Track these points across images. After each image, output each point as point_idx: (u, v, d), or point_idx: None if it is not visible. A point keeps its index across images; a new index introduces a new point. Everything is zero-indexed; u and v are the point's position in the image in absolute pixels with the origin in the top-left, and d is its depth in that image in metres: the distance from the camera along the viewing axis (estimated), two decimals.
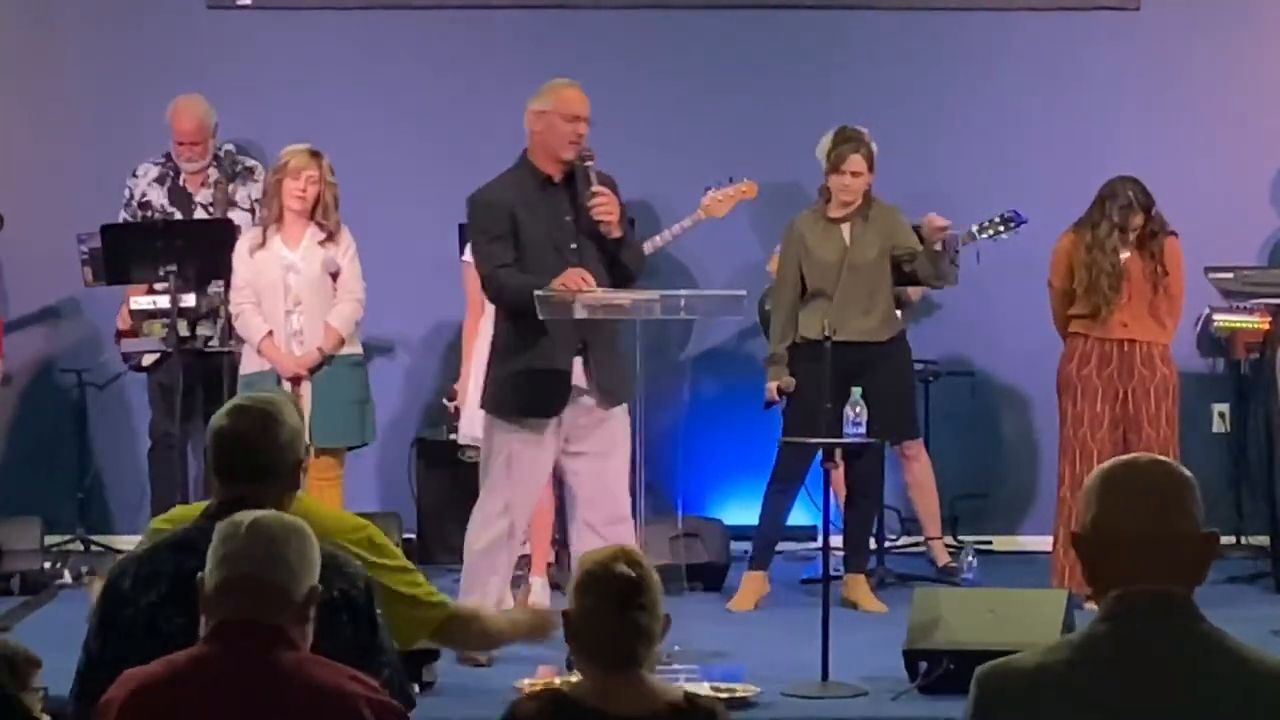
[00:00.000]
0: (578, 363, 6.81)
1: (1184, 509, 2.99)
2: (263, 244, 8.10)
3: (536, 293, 6.61)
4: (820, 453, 7.06)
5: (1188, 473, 3.03)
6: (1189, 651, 2.93)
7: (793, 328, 8.09)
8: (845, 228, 8.08)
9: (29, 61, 9.71)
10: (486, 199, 6.93)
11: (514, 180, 6.94)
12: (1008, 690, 2.96)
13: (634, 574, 3.62)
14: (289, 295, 8.09)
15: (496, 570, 6.91)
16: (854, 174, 8.01)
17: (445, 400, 8.47)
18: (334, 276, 8.10)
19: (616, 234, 6.80)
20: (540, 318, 6.65)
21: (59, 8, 9.73)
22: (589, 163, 6.82)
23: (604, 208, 6.75)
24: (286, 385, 8.00)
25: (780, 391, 8.05)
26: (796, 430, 7.82)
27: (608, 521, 6.83)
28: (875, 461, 8.18)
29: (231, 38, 9.67)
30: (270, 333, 8.08)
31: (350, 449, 8.27)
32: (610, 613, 3.59)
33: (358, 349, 8.27)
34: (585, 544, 6.81)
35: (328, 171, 8.09)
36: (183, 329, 8.41)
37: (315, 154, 8.08)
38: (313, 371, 8.07)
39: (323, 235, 8.10)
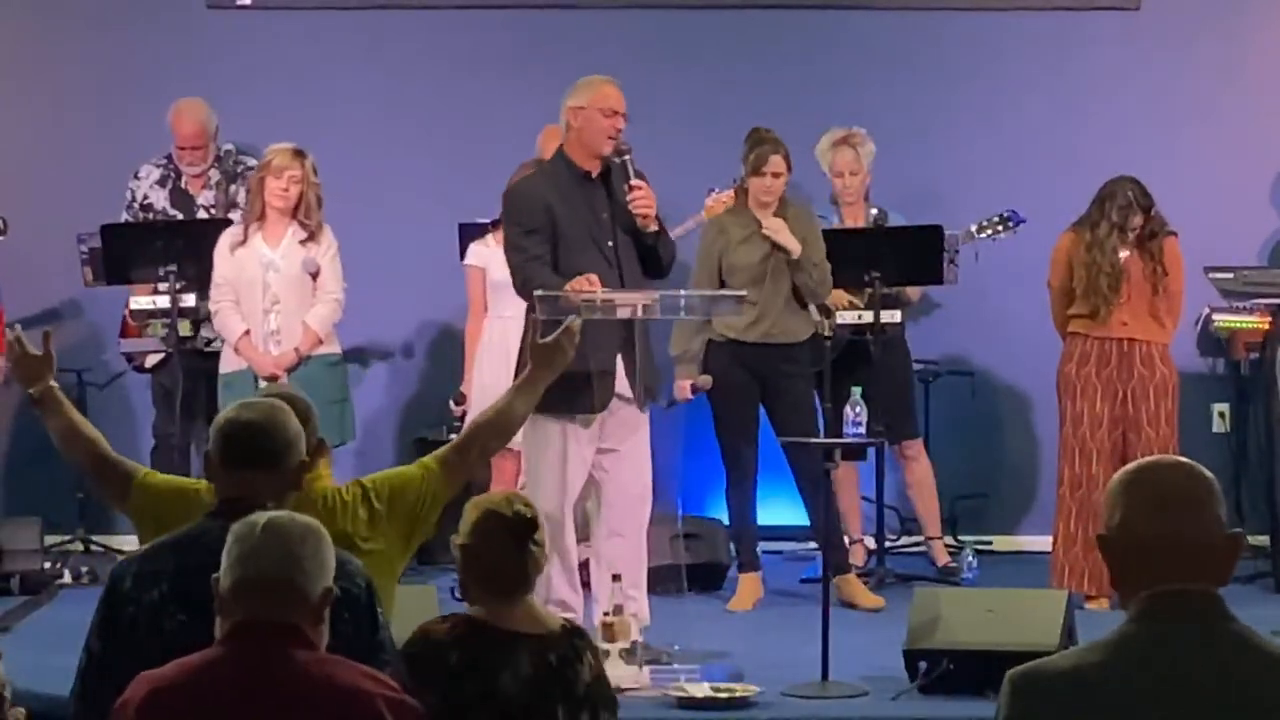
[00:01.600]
0: (619, 361, 6.79)
1: (1209, 510, 3.01)
2: (244, 241, 8.07)
3: (537, 292, 6.59)
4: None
5: (1210, 474, 3.04)
6: (1222, 651, 2.94)
7: (707, 325, 8.09)
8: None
9: (29, 61, 9.71)
10: (523, 191, 6.96)
11: (550, 174, 6.96)
12: (1042, 693, 2.95)
13: (529, 513, 4.16)
14: (268, 294, 8.06)
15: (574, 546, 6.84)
16: (775, 175, 8.03)
17: (454, 404, 8.41)
18: (314, 276, 8.07)
19: (654, 227, 6.83)
20: (541, 317, 6.61)
21: (59, 8, 9.73)
22: (627, 156, 6.82)
23: (643, 201, 6.77)
24: (263, 385, 7.97)
25: (695, 390, 8.06)
26: (731, 429, 7.96)
27: (625, 518, 6.85)
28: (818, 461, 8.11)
29: (231, 38, 9.67)
30: (248, 331, 8.06)
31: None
32: (511, 546, 4.10)
33: (336, 348, 8.24)
34: (607, 543, 6.81)
35: (311, 171, 8.06)
36: (185, 329, 8.40)
37: (299, 153, 8.05)
38: (289, 371, 8.04)
39: (304, 235, 8.07)
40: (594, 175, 6.87)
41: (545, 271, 6.72)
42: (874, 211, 8.68)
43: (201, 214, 8.91)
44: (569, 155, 6.90)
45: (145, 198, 9.01)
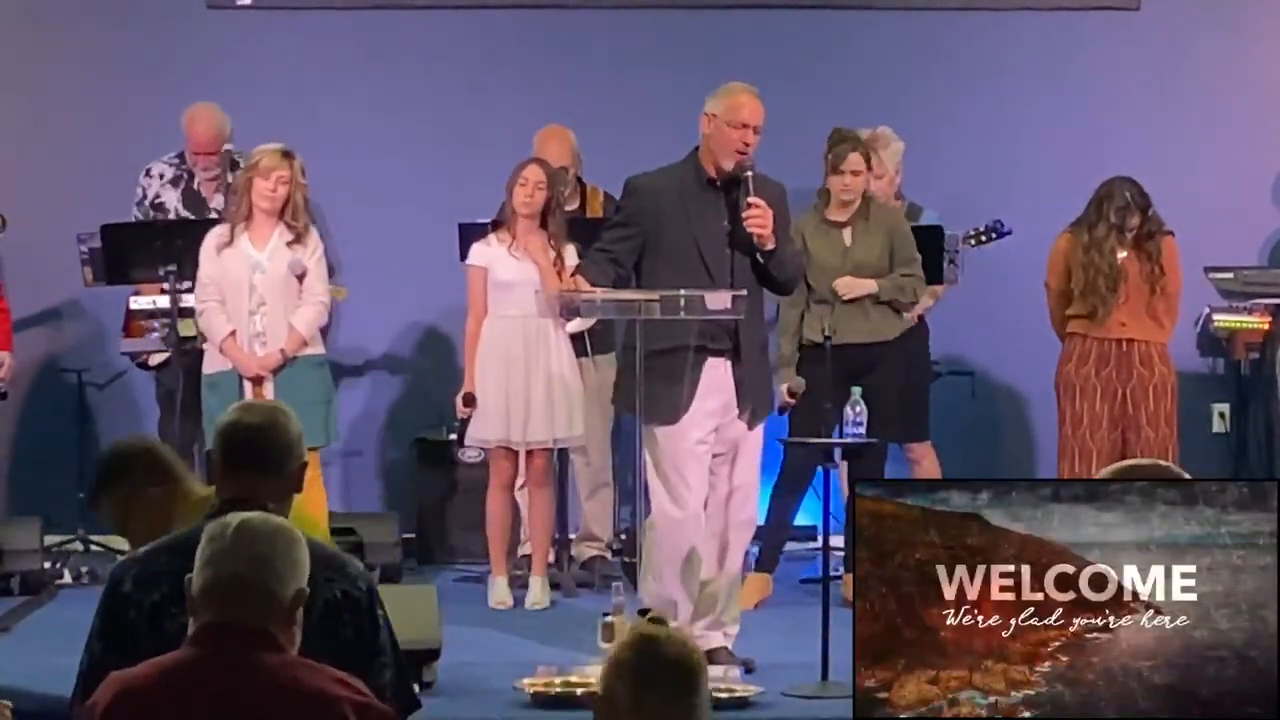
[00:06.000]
0: (727, 368, 6.74)
1: None
2: (230, 242, 8.00)
3: (535, 290, 6.59)
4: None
5: (1185, 475, 3.05)
6: None
7: (800, 330, 8.07)
8: (846, 230, 8.07)
9: (29, 61, 9.70)
10: (637, 185, 6.85)
11: (677, 174, 6.84)
12: None
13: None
14: (254, 295, 7.99)
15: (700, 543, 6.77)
16: (854, 173, 7.99)
17: (462, 404, 8.35)
18: (300, 278, 8.02)
19: (769, 246, 6.71)
20: (541, 316, 6.62)
21: (59, 7, 9.72)
22: (748, 174, 6.69)
23: (757, 220, 6.65)
24: (248, 385, 7.94)
25: (790, 393, 8.03)
26: (802, 432, 7.81)
27: (733, 526, 6.82)
28: (876, 461, 8.15)
29: (231, 38, 9.67)
30: (233, 332, 8.00)
31: (312, 449, 8.21)
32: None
33: (320, 349, 8.14)
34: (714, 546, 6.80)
35: (299, 172, 7.98)
36: (186, 329, 8.37)
37: (287, 154, 7.98)
38: (274, 372, 8.00)
39: (291, 236, 7.98)
40: (719, 184, 6.76)
41: (600, 268, 6.71)
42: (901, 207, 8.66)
43: (213, 216, 8.86)
44: (700, 159, 6.79)
45: (157, 196, 8.96)
